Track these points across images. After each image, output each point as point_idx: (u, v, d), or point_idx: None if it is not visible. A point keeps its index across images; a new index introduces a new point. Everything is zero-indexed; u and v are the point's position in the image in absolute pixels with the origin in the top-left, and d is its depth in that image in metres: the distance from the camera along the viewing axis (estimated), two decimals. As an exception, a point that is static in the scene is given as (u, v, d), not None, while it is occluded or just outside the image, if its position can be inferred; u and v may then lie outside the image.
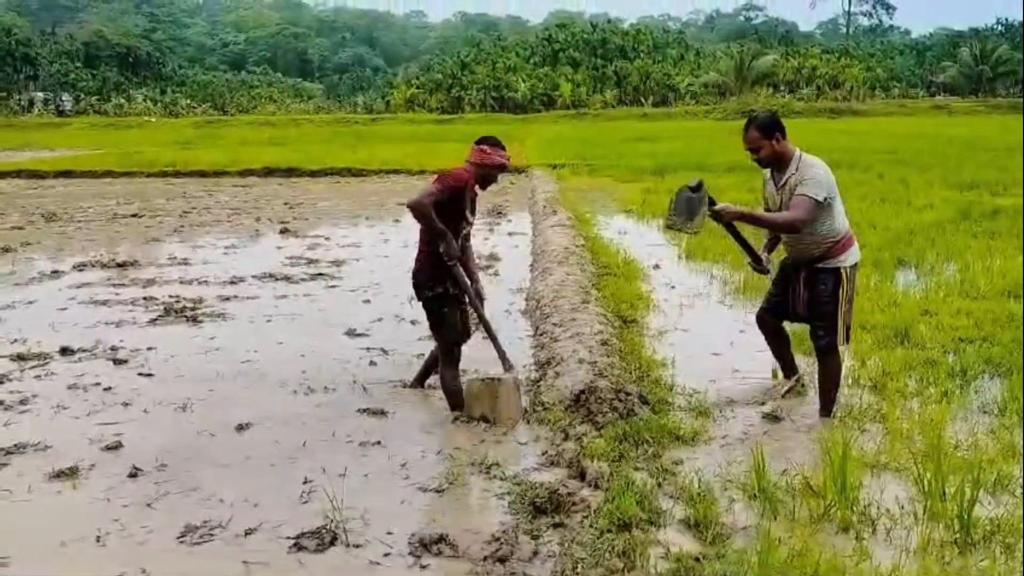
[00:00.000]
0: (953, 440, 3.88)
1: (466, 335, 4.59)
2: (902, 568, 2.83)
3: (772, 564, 2.77)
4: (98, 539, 3.19)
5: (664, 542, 2.97)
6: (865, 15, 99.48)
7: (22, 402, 4.69)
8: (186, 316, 6.65)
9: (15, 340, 5.94)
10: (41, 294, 7.54)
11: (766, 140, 4.12)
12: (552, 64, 61.27)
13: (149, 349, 5.73)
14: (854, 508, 3.21)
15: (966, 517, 3.03)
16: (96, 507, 3.47)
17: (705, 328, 6.04)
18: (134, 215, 12.94)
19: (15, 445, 4.05)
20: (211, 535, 3.21)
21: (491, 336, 4.48)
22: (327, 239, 10.51)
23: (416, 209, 4.19)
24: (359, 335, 6.06)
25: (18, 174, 19.50)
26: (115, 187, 17.49)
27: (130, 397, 4.79)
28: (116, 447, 4.06)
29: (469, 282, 4.42)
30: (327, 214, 13.10)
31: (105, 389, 4.92)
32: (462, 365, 4.53)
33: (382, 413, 4.49)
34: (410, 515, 3.38)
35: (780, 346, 4.64)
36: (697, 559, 2.86)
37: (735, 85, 53.95)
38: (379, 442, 4.09)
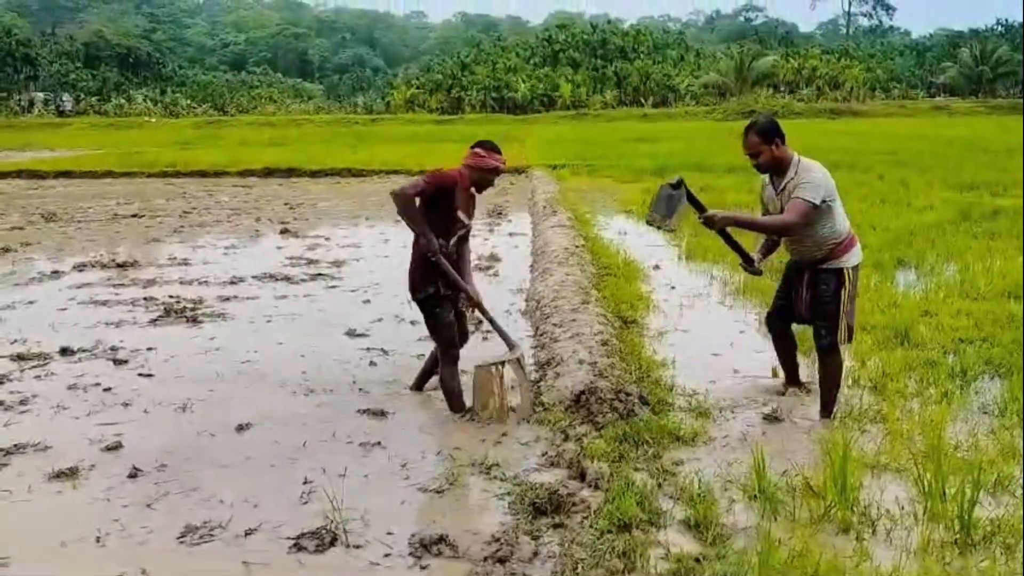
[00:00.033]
0: (953, 441, 3.88)
1: (463, 338, 4.59)
2: (902, 569, 2.83)
3: (772, 565, 2.77)
4: (98, 539, 3.20)
5: (664, 543, 2.97)
6: (865, 16, 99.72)
7: (22, 402, 4.70)
8: (186, 316, 6.65)
9: (15, 340, 5.94)
10: (41, 294, 7.54)
11: (766, 145, 4.13)
12: (552, 65, 61.32)
13: (149, 349, 5.73)
14: (854, 509, 3.21)
15: (966, 518, 3.03)
16: (96, 507, 3.47)
17: (705, 329, 6.04)
18: (134, 215, 12.94)
19: (15, 445, 4.06)
20: (211, 535, 3.21)
21: (488, 319, 4.50)
22: (327, 239, 10.51)
23: (397, 196, 4.19)
24: (359, 335, 6.06)
25: (18, 174, 19.51)
26: (115, 187, 17.49)
27: (130, 397, 4.79)
28: (116, 447, 4.06)
29: (458, 276, 4.40)
30: (327, 214, 13.11)
31: (105, 389, 4.92)
32: (461, 365, 4.53)
33: (382, 413, 4.49)
34: (410, 516, 3.38)
35: (786, 349, 4.64)
36: (697, 560, 2.86)
37: (735, 86, 53.97)
38: (379, 443, 4.09)
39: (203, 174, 19.58)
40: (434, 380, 4.74)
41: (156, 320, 6.56)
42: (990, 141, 22.70)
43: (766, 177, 4.32)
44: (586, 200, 13.31)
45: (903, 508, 3.27)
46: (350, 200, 14.95)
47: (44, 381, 5.09)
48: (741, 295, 6.84)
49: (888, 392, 4.51)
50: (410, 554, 3.05)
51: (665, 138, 27.00)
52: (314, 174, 19.24)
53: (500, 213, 12.74)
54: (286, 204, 14.29)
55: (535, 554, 3.00)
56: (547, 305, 6.38)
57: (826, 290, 4.18)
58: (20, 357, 5.51)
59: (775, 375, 4.82)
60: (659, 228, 4.30)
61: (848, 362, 4.76)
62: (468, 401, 4.46)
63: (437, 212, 4.29)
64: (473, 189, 4.42)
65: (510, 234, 10.84)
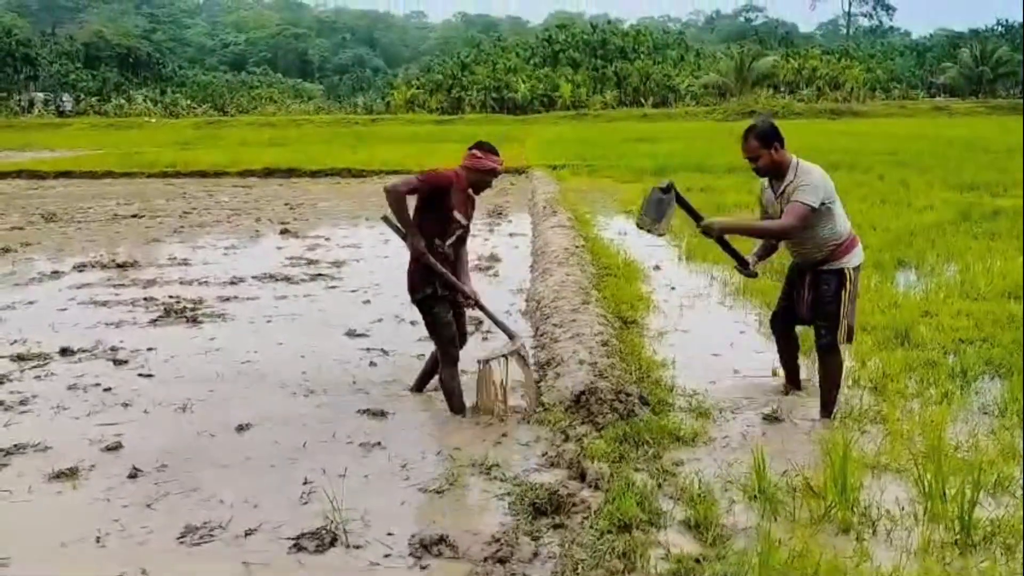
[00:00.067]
0: (953, 441, 3.88)
1: (462, 339, 4.59)
2: (903, 569, 2.83)
3: (773, 565, 2.76)
4: (98, 539, 3.19)
5: (664, 543, 2.97)
6: (865, 16, 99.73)
7: (22, 402, 4.69)
8: (186, 317, 6.65)
9: (15, 340, 5.94)
10: (41, 294, 7.53)
11: (765, 149, 4.13)
12: (552, 65, 61.33)
13: (149, 350, 5.73)
14: (854, 509, 3.21)
15: (966, 518, 3.03)
16: (96, 507, 3.47)
17: (705, 329, 6.04)
18: (134, 215, 12.94)
19: (15, 445, 4.06)
20: (211, 536, 3.21)
21: (486, 313, 4.51)
22: (327, 240, 10.51)
23: (390, 193, 4.21)
24: (359, 336, 6.06)
25: (18, 174, 19.51)
26: (115, 187, 17.49)
27: (130, 398, 4.79)
28: (116, 447, 4.06)
29: (448, 271, 4.39)
30: (327, 215, 13.11)
31: (105, 390, 4.92)
32: (462, 365, 4.53)
33: (382, 414, 4.49)
34: (410, 516, 3.38)
35: (789, 351, 4.64)
36: (697, 560, 2.86)
37: (735, 86, 53.98)
38: (379, 443, 4.09)
39: (203, 174, 19.58)
40: (434, 381, 4.74)
41: (156, 320, 6.56)
42: (990, 141, 22.70)
43: (765, 180, 4.33)
44: (586, 200, 13.31)
45: (903, 508, 3.27)
46: (350, 200, 14.95)
47: (44, 381, 5.09)
48: (741, 295, 6.84)
49: (888, 392, 4.51)
50: (410, 554, 3.05)
51: (665, 138, 27.00)
52: (314, 174, 19.24)
53: (500, 213, 12.74)
54: (286, 204, 14.29)
55: (535, 554, 2.99)
56: (547, 305, 6.38)
57: (827, 290, 4.19)
58: (20, 357, 5.51)
59: (775, 375, 4.82)
60: (649, 232, 4.30)
61: (848, 362, 4.76)
62: (469, 401, 4.46)
63: (433, 212, 4.29)
64: (471, 190, 4.42)
65: (510, 234, 10.84)
